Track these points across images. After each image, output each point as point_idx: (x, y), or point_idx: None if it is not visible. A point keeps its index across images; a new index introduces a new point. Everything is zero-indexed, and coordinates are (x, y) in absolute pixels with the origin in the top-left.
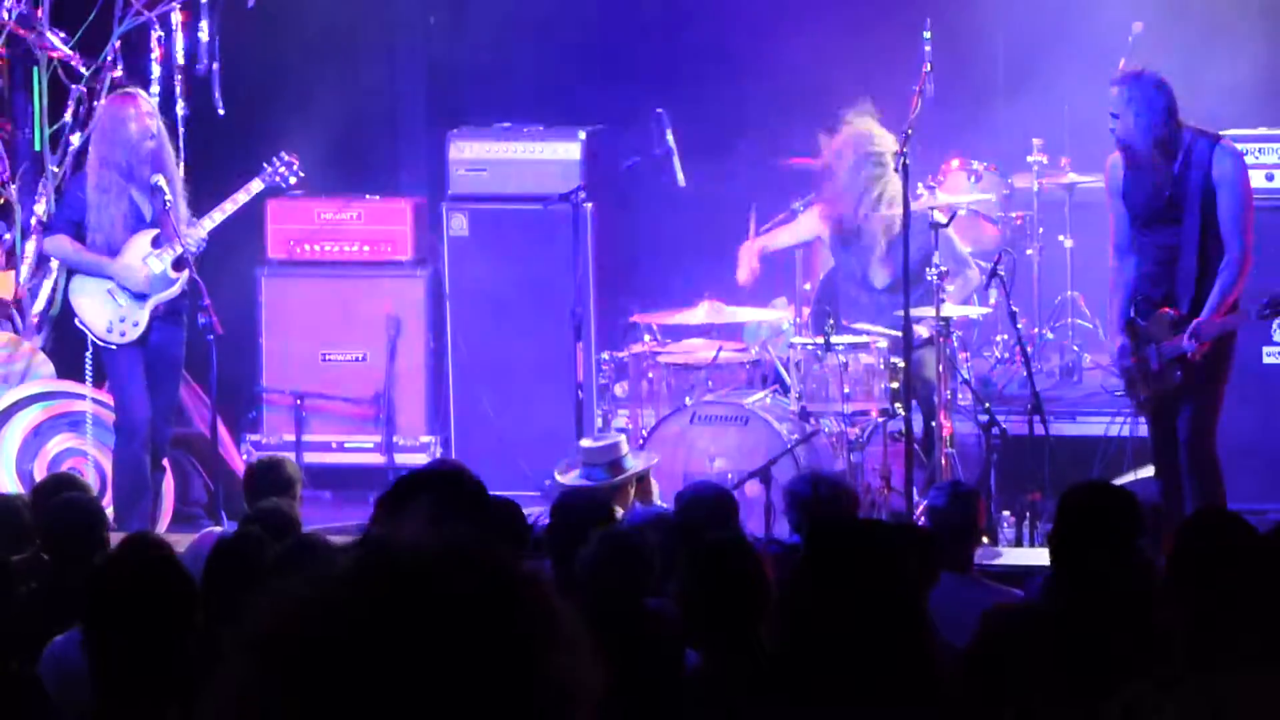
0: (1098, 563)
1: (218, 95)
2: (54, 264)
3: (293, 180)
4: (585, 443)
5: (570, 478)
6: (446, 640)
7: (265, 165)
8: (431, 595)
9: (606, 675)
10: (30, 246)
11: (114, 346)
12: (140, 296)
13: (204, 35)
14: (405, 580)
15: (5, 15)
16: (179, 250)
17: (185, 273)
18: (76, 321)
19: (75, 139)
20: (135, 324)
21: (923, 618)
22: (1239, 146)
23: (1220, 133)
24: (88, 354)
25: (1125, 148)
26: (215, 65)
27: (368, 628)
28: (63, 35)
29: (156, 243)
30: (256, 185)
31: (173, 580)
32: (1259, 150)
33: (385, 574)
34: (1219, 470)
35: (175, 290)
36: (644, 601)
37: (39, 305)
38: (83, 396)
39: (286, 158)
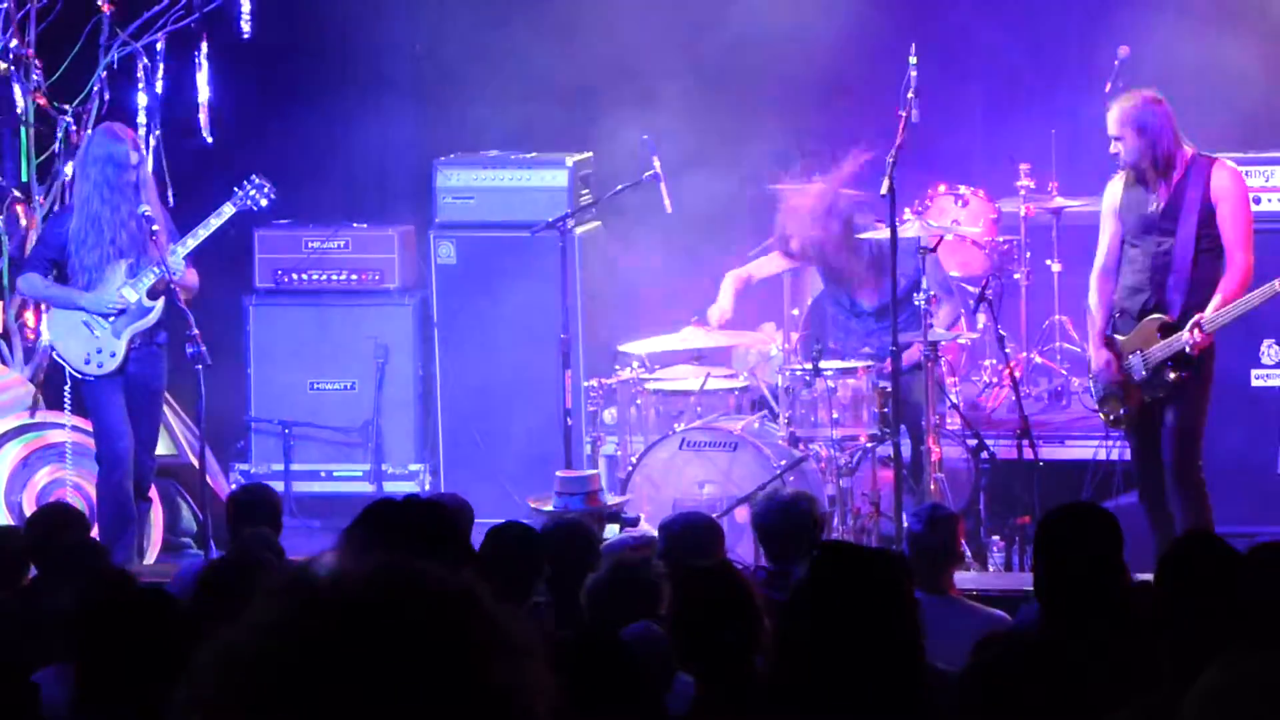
0: (1081, 587)
1: (201, 124)
2: None
3: (264, 202)
4: (563, 473)
5: (546, 506)
6: (383, 665)
7: (236, 189)
8: (361, 625)
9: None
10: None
11: (92, 378)
12: (116, 327)
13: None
14: (332, 616)
15: None
16: (155, 278)
17: (161, 301)
18: (54, 355)
19: (63, 169)
20: (112, 354)
21: (916, 643)
22: None
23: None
24: (66, 386)
25: (1129, 166)
26: (204, 95)
27: (304, 672)
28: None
29: (132, 271)
30: (228, 209)
31: (165, 613)
32: (1246, 174)
33: (311, 614)
34: (1205, 492)
35: (151, 319)
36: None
37: (46, 339)
38: (63, 426)
39: (258, 180)
